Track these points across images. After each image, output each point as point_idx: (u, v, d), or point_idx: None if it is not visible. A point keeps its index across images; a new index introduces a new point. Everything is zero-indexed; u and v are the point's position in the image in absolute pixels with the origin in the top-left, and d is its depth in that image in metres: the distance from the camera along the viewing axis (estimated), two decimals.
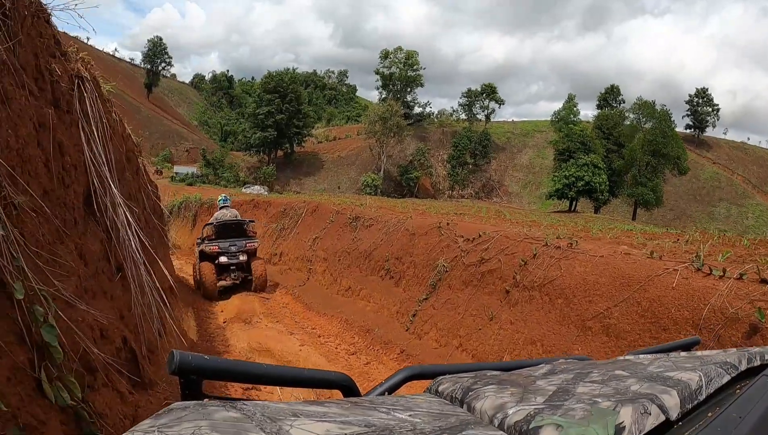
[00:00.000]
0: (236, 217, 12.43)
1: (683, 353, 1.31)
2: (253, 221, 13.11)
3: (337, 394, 1.04)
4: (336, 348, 8.46)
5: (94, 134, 4.13)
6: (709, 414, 0.80)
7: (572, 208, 56.89)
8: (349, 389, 1.05)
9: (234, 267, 11.74)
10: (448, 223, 9.03)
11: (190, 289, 13.25)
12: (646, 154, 57.40)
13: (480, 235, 7.92)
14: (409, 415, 0.77)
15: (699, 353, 1.23)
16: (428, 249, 8.77)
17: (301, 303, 11.43)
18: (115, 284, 4.06)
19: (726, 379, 0.94)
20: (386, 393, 1.04)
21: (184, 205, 28.74)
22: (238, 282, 12.00)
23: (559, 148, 59.92)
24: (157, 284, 4.72)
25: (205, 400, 0.78)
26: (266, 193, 48.56)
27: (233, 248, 11.52)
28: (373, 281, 9.97)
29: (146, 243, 4.61)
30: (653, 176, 57.76)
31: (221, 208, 12.80)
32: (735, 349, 1.20)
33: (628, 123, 64.42)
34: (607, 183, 55.60)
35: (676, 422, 0.77)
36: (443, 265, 8.08)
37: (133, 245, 3.87)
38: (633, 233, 13.00)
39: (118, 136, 5.65)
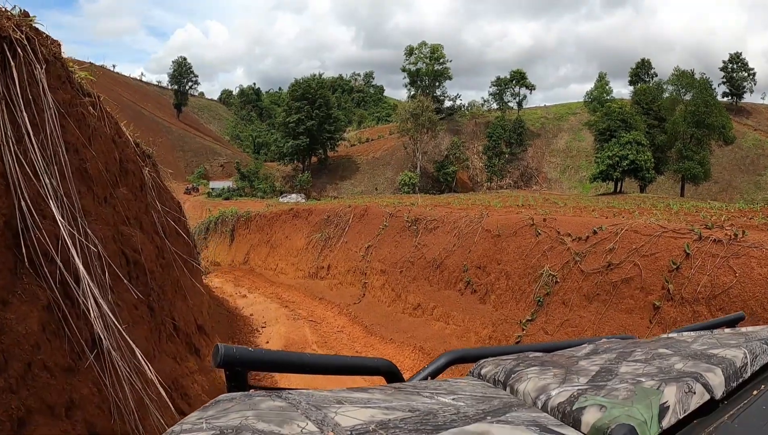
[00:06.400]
0: None
1: (727, 330, 1.24)
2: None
3: (382, 380, 1.00)
4: None
5: (28, 129, 2.46)
6: (754, 392, 0.78)
7: (618, 190, 53.93)
8: (392, 375, 1.02)
9: None
10: (545, 219, 7.04)
11: (229, 314, 11.75)
12: (690, 126, 55.32)
13: (595, 232, 5.97)
14: (453, 399, 0.76)
15: (743, 329, 1.19)
16: (523, 253, 6.83)
17: (359, 325, 9.71)
18: (80, 377, 2.34)
19: None
20: (429, 378, 1.03)
21: (221, 220, 28.05)
22: None
23: (599, 127, 56.97)
24: (145, 373, 3.01)
25: (251, 390, 0.76)
26: (304, 200, 47.75)
27: None
28: (450, 297, 8.08)
29: (136, 295, 2.88)
30: (699, 149, 55.50)
31: None
32: None
33: (667, 95, 61.84)
34: (652, 160, 52.49)
35: (721, 401, 0.74)
36: (550, 274, 6.14)
37: (95, 310, 2.15)
38: (728, 211, 10.88)
39: (106, 140, 3.98)
